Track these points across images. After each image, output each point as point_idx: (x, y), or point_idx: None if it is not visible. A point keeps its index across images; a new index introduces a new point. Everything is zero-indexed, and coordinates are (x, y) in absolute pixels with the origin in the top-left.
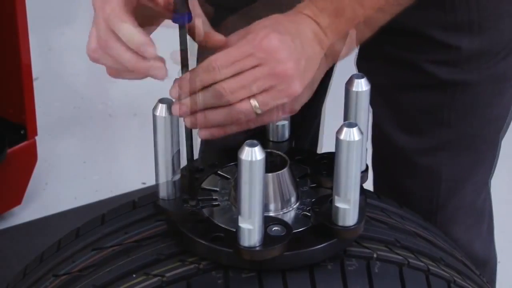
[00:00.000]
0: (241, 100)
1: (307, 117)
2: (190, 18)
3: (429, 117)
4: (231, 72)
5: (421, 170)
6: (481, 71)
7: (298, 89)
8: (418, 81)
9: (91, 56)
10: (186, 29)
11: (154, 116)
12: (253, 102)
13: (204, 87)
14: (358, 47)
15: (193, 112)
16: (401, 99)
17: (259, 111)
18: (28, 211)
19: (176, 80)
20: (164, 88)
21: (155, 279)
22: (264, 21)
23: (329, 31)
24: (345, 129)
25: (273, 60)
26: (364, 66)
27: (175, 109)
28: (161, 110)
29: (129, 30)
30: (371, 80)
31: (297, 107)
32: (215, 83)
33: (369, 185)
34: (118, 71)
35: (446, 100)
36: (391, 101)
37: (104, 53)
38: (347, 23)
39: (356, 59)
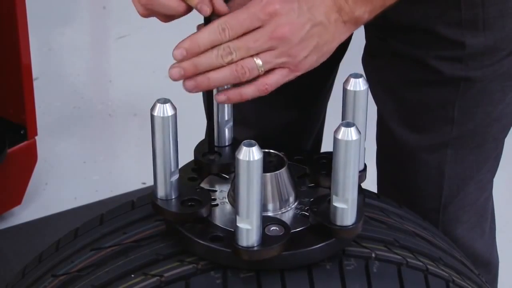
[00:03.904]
0: (244, 58)
1: (311, 116)
2: None
3: (434, 114)
4: (236, 33)
5: (425, 168)
6: (486, 68)
7: (299, 52)
8: (423, 77)
9: (141, 12)
10: None
11: (152, 116)
12: (257, 60)
13: (208, 49)
14: (364, 43)
15: (197, 74)
16: (406, 96)
17: (262, 69)
18: (28, 211)
19: (180, 42)
20: (164, 88)
21: (154, 279)
22: None
23: None
24: (342, 128)
25: (273, 23)
26: (370, 63)
27: (173, 72)
28: (159, 110)
29: None
30: (377, 77)
31: (303, 69)
32: (220, 44)
33: (373, 182)
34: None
35: (451, 97)
36: (396, 98)
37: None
38: None
39: (362, 56)
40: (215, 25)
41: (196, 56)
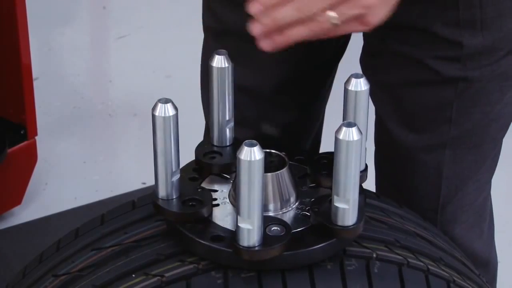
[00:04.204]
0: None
1: (310, 117)
2: None
3: (432, 114)
4: None
5: (423, 168)
6: (484, 68)
7: (372, 1)
8: (421, 77)
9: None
10: None
11: (153, 116)
12: (331, 12)
13: (283, 4)
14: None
15: (274, 30)
16: (404, 96)
17: (336, 21)
18: (28, 211)
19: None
20: (164, 88)
21: (155, 279)
22: None
23: None
24: (344, 128)
25: None
26: (368, 63)
27: (255, 27)
28: (161, 110)
29: None
30: (375, 77)
31: (374, 20)
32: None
33: (371, 183)
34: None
35: (449, 97)
36: (394, 98)
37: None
38: None
39: (360, 56)
40: None
41: (272, 10)
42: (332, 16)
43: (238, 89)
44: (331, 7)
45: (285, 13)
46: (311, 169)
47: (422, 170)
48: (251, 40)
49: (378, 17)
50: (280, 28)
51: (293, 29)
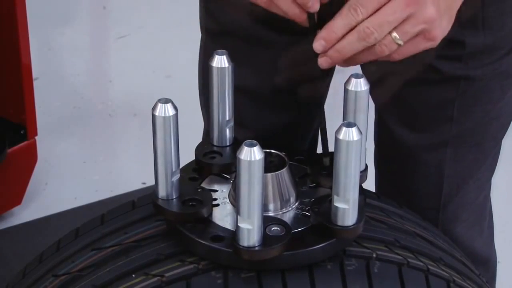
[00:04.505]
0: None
1: (308, 117)
2: None
3: (433, 113)
4: (371, 10)
5: (424, 167)
6: (485, 67)
7: (434, 13)
8: (423, 76)
9: (263, 2)
10: None
11: (153, 116)
12: (393, 33)
13: (348, 32)
14: None
15: (340, 60)
16: (405, 95)
17: (400, 42)
18: (28, 211)
19: (318, 33)
20: (164, 88)
21: (155, 279)
22: None
23: None
24: (344, 129)
25: None
26: (369, 62)
27: (322, 61)
28: (161, 110)
29: None
30: (376, 76)
31: (438, 34)
32: (358, 25)
33: (371, 183)
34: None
35: (451, 96)
36: (395, 97)
37: (272, 3)
38: None
39: None
40: (346, 7)
41: (336, 42)
42: (395, 37)
43: (237, 90)
44: (394, 29)
45: (350, 45)
46: (311, 169)
47: (423, 169)
48: (249, 41)
49: (442, 29)
50: (347, 58)
51: (359, 56)
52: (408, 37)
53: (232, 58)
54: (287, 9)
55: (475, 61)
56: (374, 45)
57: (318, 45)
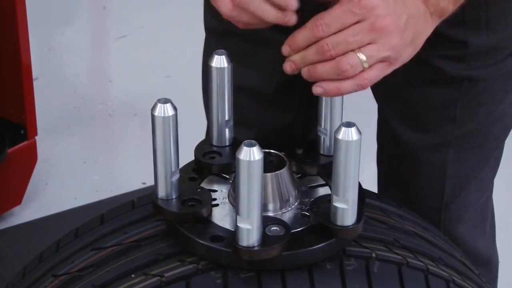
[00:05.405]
0: (347, 53)
1: (310, 116)
2: None
3: (436, 113)
4: (333, 29)
5: (427, 167)
6: (488, 68)
7: (398, 43)
8: (426, 76)
9: (228, 15)
10: None
11: (153, 116)
12: (360, 55)
13: (310, 44)
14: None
15: (302, 67)
16: (408, 95)
17: (366, 65)
18: (28, 211)
19: (286, 39)
20: (164, 88)
21: (154, 279)
22: None
23: None
24: (343, 129)
25: (373, 16)
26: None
27: (285, 66)
28: (160, 110)
29: None
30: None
31: (401, 61)
32: (320, 40)
33: (372, 183)
34: (249, 24)
35: (454, 96)
36: (398, 97)
37: (242, 11)
38: None
39: None
40: (311, 21)
41: (300, 51)
42: (361, 59)
43: (239, 89)
44: (359, 49)
45: (310, 55)
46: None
47: (426, 169)
48: (252, 40)
49: (406, 57)
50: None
51: (321, 67)
52: (373, 62)
53: (235, 58)
54: (263, 13)
55: (478, 61)
56: (339, 59)
57: (283, 49)
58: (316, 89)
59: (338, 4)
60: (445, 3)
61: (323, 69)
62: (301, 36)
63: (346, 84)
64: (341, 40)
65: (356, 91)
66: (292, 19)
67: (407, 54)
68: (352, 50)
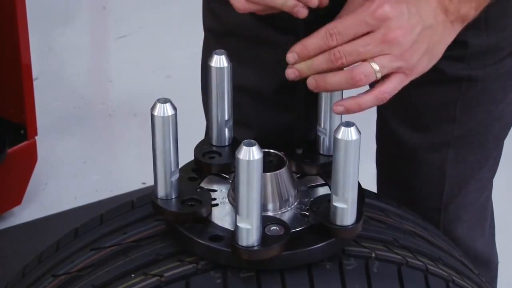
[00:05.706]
0: (361, 62)
1: (310, 116)
2: None
3: (436, 113)
4: (346, 39)
5: (426, 167)
6: (488, 68)
7: (411, 55)
8: (426, 77)
9: (241, 8)
10: None
11: (152, 116)
12: (374, 64)
13: (319, 53)
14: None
15: (307, 75)
16: (408, 95)
17: (379, 75)
18: (28, 211)
19: (293, 46)
20: (164, 88)
21: (154, 279)
22: None
23: None
24: (342, 128)
25: (385, 27)
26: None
27: (289, 73)
28: (160, 110)
29: None
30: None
31: (417, 72)
32: (330, 48)
33: (371, 183)
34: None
35: (453, 96)
36: (398, 97)
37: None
38: None
39: None
40: (323, 30)
41: (308, 59)
42: (374, 69)
43: (239, 89)
44: (372, 59)
45: (320, 63)
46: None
47: (425, 169)
48: (252, 40)
49: (421, 68)
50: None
51: (333, 77)
52: (386, 71)
53: (234, 58)
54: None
55: (477, 61)
56: (353, 69)
57: (290, 57)
58: (337, 108)
59: (353, 12)
60: (466, 9)
61: (334, 79)
62: (312, 45)
63: (366, 99)
64: (352, 49)
65: (376, 105)
66: (303, 12)
67: (423, 64)
68: (364, 60)
